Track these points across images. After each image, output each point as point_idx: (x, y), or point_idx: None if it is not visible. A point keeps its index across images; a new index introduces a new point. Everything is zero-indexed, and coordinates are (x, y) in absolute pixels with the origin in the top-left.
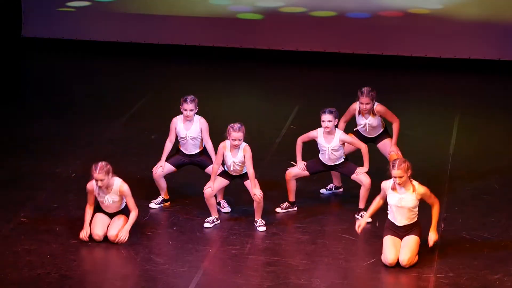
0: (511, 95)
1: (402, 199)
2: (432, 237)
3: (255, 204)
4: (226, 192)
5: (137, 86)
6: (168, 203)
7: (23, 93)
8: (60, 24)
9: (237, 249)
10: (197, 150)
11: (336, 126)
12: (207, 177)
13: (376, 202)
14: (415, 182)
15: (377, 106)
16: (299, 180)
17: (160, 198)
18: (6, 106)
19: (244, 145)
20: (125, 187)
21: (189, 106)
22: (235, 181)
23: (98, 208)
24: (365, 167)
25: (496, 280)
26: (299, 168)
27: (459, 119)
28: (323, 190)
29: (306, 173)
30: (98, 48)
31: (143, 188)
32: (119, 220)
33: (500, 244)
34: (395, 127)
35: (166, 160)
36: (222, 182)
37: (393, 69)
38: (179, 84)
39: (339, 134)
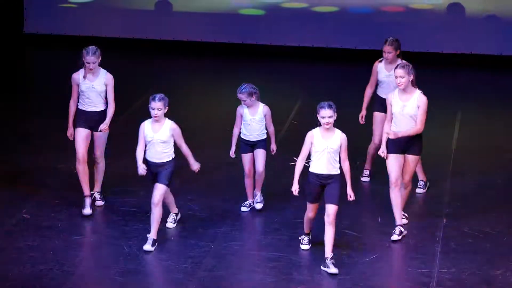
0: None
1: (405, 106)
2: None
3: (256, 175)
4: (232, 189)
5: (139, 81)
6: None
7: (25, 89)
8: (62, 20)
9: (240, 245)
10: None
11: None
12: (211, 173)
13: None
14: (418, 90)
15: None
16: (302, 175)
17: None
18: (8, 101)
19: (263, 105)
20: (111, 76)
21: (157, 105)
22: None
23: (80, 121)
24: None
25: (499, 275)
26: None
27: (461, 114)
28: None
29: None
30: (99, 44)
31: (143, 186)
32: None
33: (502, 239)
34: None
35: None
36: (249, 158)
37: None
38: (181, 80)
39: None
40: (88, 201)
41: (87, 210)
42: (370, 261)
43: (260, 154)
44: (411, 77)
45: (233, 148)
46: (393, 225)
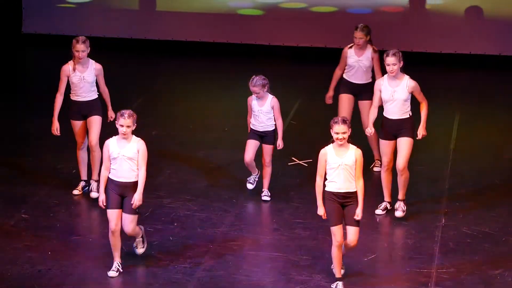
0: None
1: (395, 91)
2: (421, 132)
3: (263, 170)
4: (231, 190)
5: (137, 82)
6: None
7: (24, 89)
8: (60, 20)
9: (238, 244)
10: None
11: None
12: (209, 174)
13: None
14: (406, 76)
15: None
16: (300, 176)
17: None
18: (7, 102)
19: (271, 97)
20: (100, 66)
21: (126, 122)
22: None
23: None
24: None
25: (497, 275)
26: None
27: (460, 114)
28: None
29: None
30: (98, 44)
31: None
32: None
33: (501, 239)
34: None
35: None
36: (255, 144)
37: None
38: (180, 80)
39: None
40: (81, 184)
41: (76, 192)
42: (368, 261)
43: (268, 149)
44: (401, 64)
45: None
46: (392, 224)
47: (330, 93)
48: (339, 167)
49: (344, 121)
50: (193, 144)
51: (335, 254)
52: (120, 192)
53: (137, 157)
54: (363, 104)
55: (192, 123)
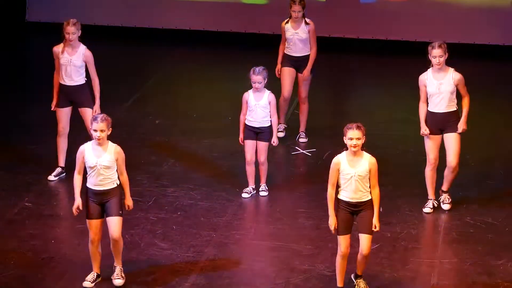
0: None
1: (441, 84)
2: (462, 126)
3: (259, 168)
4: (234, 179)
5: (141, 70)
6: None
7: (27, 78)
8: (64, 9)
9: (241, 234)
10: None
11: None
12: (213, 163)
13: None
14: (451, 68)
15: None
16: (304, 165)
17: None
18: (10, 90)
19: (268, 92)
20: (90, 53)
21: (99, 126)
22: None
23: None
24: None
25: (500, 265)
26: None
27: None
28: None
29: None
30: (102, 33)
31: (146, 174)
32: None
33: (504, 229)
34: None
35: None
36: (253, 144)
37: (397, 54)
38: (183, 69)
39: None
40: (58, 170)
41: (51, 177)
42: (372, 251)
43: (263, 146)
44: (447, 55)
45: (242, 135)
46: (396, 214)
47: (278, 66)
48: (351, 178)
49: (358, 127)
50: (197, 133)
51: (339, 263)
52: (99, 201)
53: (113, 165)
54: (301, 76)
55: (195, 112)
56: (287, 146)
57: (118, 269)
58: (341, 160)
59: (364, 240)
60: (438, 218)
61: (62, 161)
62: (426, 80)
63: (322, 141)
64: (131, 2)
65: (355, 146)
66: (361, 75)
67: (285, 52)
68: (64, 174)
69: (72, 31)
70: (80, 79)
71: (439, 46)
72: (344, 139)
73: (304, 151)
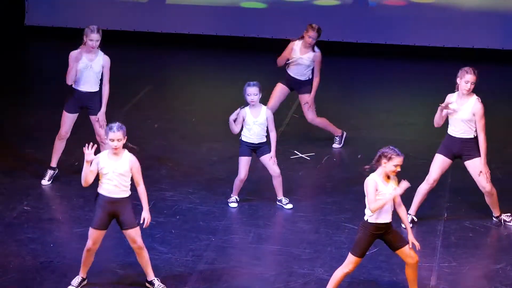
0: None
1: (459, 110)
2: (480, 169)
3: (274, 181)
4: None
5: (140, 74)
6: None
7: (26, 82)
8: (63, 13)
9: (240, 238)
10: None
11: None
12: (211, 167)
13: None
14: (475, 96)
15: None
16: (304, 169)
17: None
18: (10, 94)
19: (265, 107)
20: (108, 58)
21: (116, 135)
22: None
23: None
24: None
25: (499, 270)
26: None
27: None
28: None
29: None
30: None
31: (145, 178)
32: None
33: (503, 233)
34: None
35: None
36: (248, 161)
37: (396, 58)
38: (182, 73)
39: None
40: (50, 172)
41: (45, 182)
42: (370, 254)
43: (270, 159)
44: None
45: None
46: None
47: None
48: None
49: (402, 153)
50: (196, 137)
51: (338, 277)
52: (111, 210)
53: (128, 174)
54: (303, 97)
55: (194, 116)
56: (285, 150)
57: (156, 282)
58: (377, 181)
59: (407, 250)
60: (437, 222)
61: (54, 162)
62: (451, 102)
63: (321, 145)
64: (129, 6)
65: (397, 173)
66: (360, 78)
67: (287, 69)
68: (57, 171)
69: (96, 38)
70: (96, 86)
71: (474, 73)
72: (384, 161)
73: (303, 155)
